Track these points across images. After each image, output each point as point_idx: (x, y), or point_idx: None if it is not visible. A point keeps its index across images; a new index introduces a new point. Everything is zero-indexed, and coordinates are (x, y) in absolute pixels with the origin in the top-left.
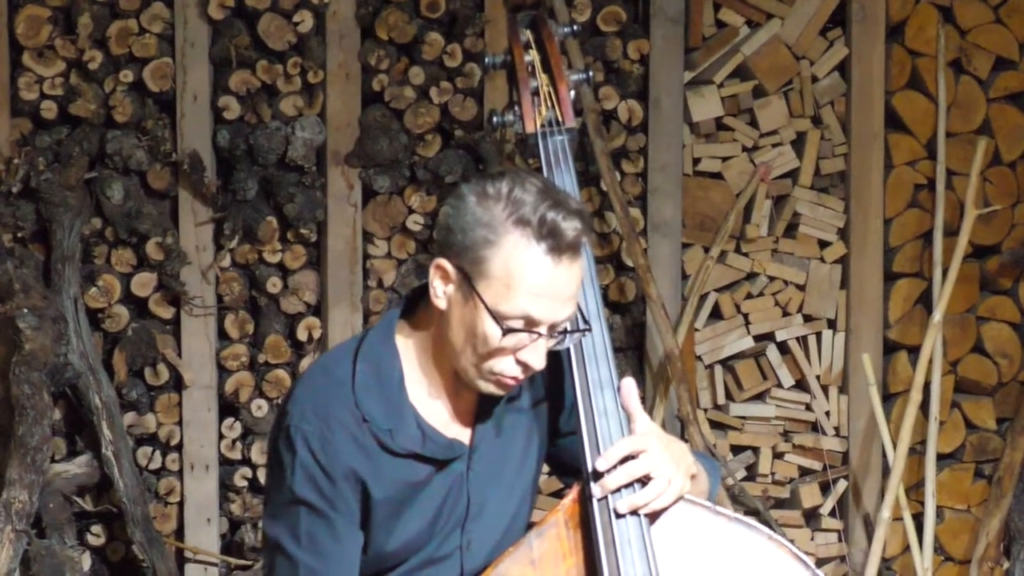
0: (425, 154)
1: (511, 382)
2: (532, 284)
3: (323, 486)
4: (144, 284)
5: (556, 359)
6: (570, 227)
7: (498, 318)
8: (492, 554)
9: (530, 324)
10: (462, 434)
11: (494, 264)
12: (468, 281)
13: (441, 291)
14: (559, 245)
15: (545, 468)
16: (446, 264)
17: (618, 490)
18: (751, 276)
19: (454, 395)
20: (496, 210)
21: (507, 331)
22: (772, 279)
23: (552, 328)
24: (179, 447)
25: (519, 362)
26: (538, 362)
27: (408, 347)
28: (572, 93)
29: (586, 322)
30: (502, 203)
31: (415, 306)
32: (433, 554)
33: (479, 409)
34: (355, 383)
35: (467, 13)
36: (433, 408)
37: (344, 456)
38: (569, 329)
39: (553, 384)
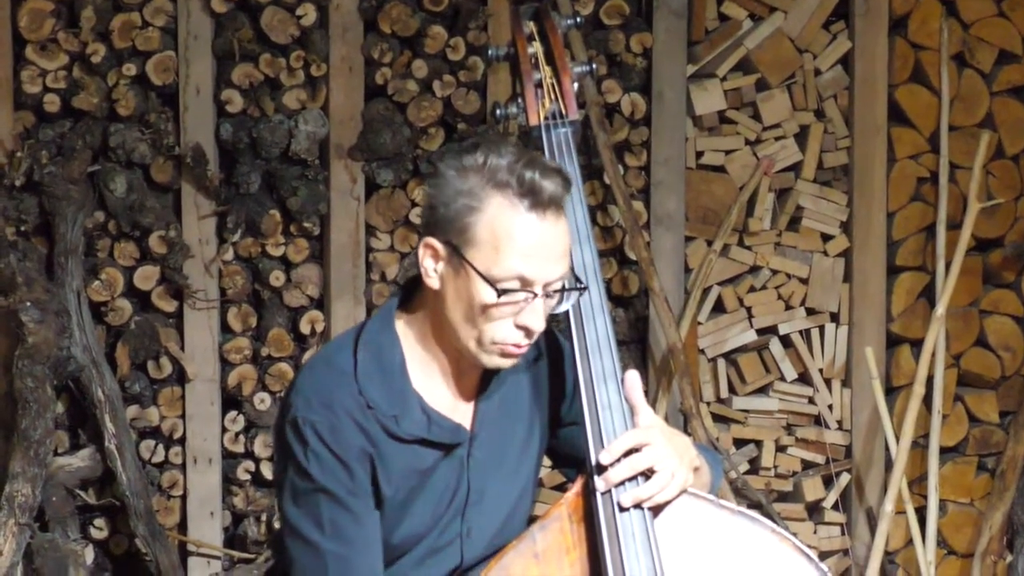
0: (428, 147)
1: (514, 350)
2: (520, 243)
3: (339, 473)
4: (147, 277)
5: (558, 349)
6: (549, 183)
7: (491, 282)
8: (492, 542)
9: (524, 284)
10: (464, 420)
11: (480, 229)
12: (457, 252)
13: (432, 270)
14: (540, 201)
15: (546, 460)
16: (433, 242)
17: (622, 484)
18: (754, 269)
19: (456, 380)
20: (475, 179)
21: (502, 292)
22: (775, 272)
23: (546, 287)
24: (182, 440)
25: (519, 326)
26: (537, 323)
27: (408, 334)
28: (575, 85)
29: (581, 282)
30: (479, 171)
31: (411, 295)
32: (434, 543)
33: (480, 395)
34: (357, 372)
35: (470, 6)
36: (436, 394)
37: (355, 443)
38: (565, 288)
39: (555, 373)
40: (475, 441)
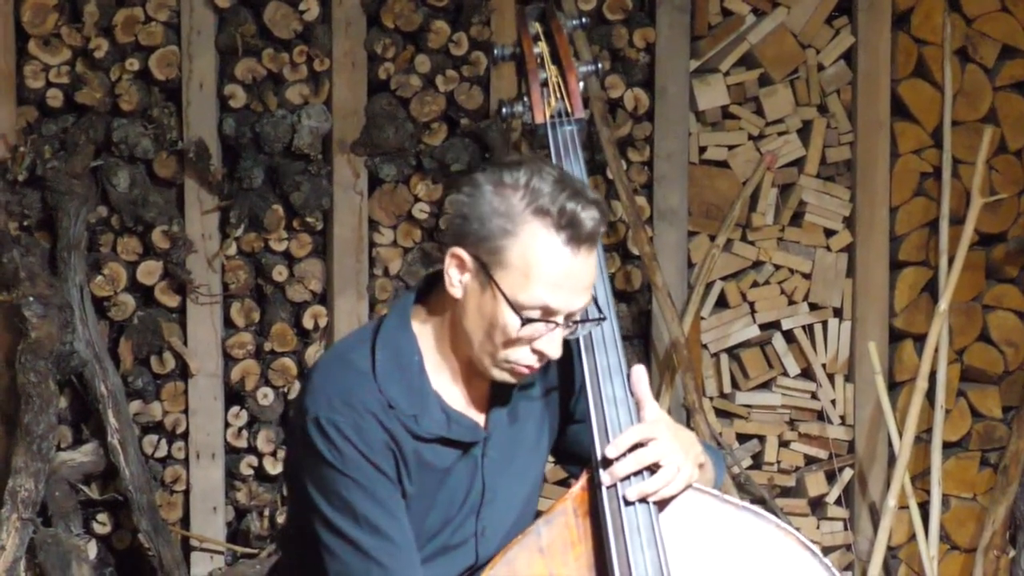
0: (431, 142)
1: (525, 371)
2: (550, 274)
3: (367, 470)
4: (150, 272)
5: (566, 345)
6: (589, 217)
7: (516, 308)
8: (505, 540)
9: (547, 314)
10: (478, 419)
11: (512, 254)
12: (485, 271)
13: (457, 280)
14: (578, 235)
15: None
16: (462, 253)
17: (627, 478)
18: (757, 264)
19: (468, 382)
20: (514, 200)
21: (525, 321)
22: (778, 267)
23: (568, 317)
24: (185, 435)
25: (535, 351)
26: (554, 351)
27: (425, 333)
28: (581, 84)
29: (600, 311)
30: (520, 192)
31: (428, 292)
32: (448, 541)
33: (492, 396)
34: (376, 371)
35: (473, 2)
36: (453, 393)
37: (380, 442)
38: (584, 318)
39: (564, 370)
40: (489, 441)
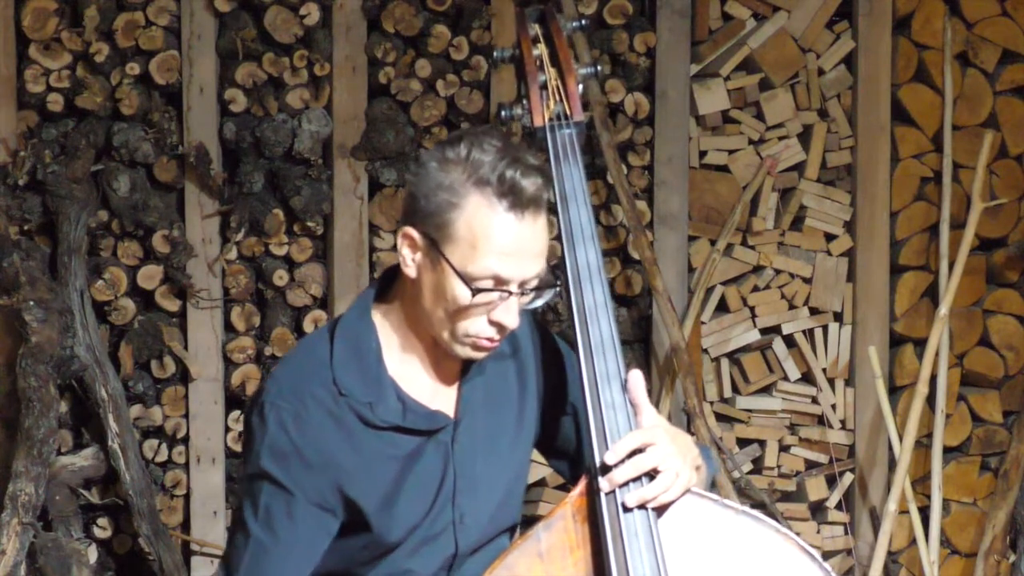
0: (431, 147)
1: (487, 343)
2: (497, 243)
3: (290, 464)
4: (150, 277)
5: (544, 336)
6: (530, 183)
7: (467, 279)
8: (486, 529)
9: (499, 283)
10: (447, 406)
11: (458, 226)
12: (435, 246)
13: (410, 259)
14: (520, 201)
15: (542, 458)
16: (412, 232)
17: (626, 484)
18: (757, 269)
19: (435, 366)
20: (456, 173)
21: (476, 291)
22: (778, 272)
23: (522, 285)
24: (185, 440)
25: (492, 322)
26: (511, 320)
27: (385, 321)
28: (580, 87)
29: (557, 278)
30: (461, 166)
31: (390, 284)
32: (427, 532)
33: (463, 380)
34: (333, 359)
35: (473, 6)
36: (415, 380)
37: (320, 437)
38: (540, 286)
39: (545, 356)
40: (459, 427)
